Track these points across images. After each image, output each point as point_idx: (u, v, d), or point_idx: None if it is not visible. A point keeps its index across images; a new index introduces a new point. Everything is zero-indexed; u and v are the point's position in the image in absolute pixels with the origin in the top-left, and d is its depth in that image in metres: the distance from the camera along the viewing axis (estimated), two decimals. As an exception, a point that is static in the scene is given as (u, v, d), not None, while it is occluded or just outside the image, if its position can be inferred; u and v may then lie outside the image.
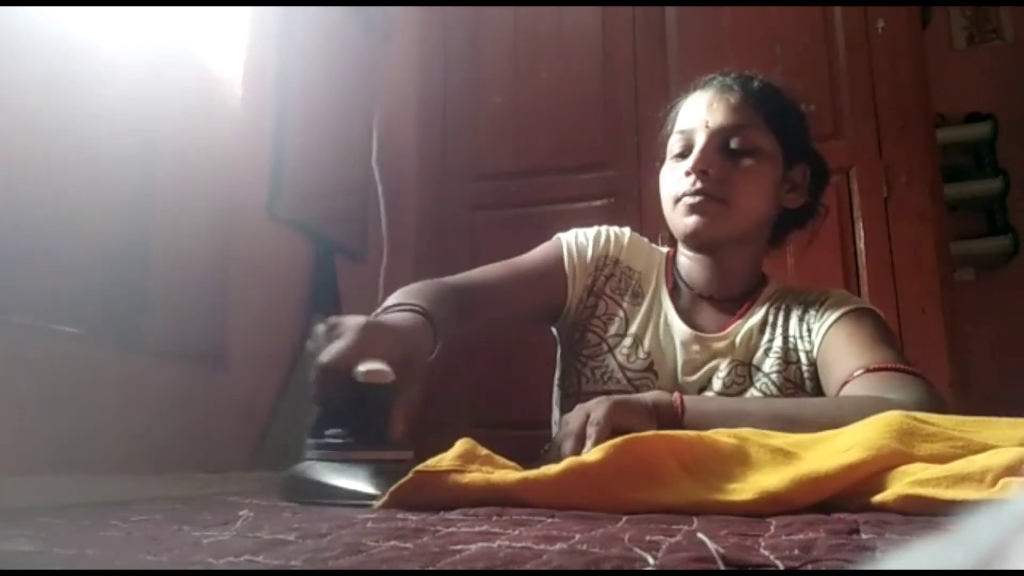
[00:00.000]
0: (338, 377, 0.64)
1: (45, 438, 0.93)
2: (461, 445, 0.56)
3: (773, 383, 0.95)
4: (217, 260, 1.32)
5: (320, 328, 0.69)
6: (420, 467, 0.53)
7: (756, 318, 0.99)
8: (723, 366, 0.97)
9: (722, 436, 0.55)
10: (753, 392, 0.95)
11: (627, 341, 1.00)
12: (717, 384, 0.96)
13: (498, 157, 2.02)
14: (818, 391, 0.95)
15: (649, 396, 0.81)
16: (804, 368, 0.96)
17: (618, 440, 0.52)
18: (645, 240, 1.10)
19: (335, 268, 1.66)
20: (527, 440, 0.94)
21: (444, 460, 0.54)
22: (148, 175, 1.22)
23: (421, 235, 2.02)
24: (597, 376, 1.00)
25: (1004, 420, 0.56)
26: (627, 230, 1.09)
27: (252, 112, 1.42)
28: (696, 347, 0.98)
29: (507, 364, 1.83)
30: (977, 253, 2.53)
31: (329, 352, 0.65)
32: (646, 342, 1.00)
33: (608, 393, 0.96)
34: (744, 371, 0.96)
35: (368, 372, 0.63)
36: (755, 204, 0.97)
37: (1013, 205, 2.51)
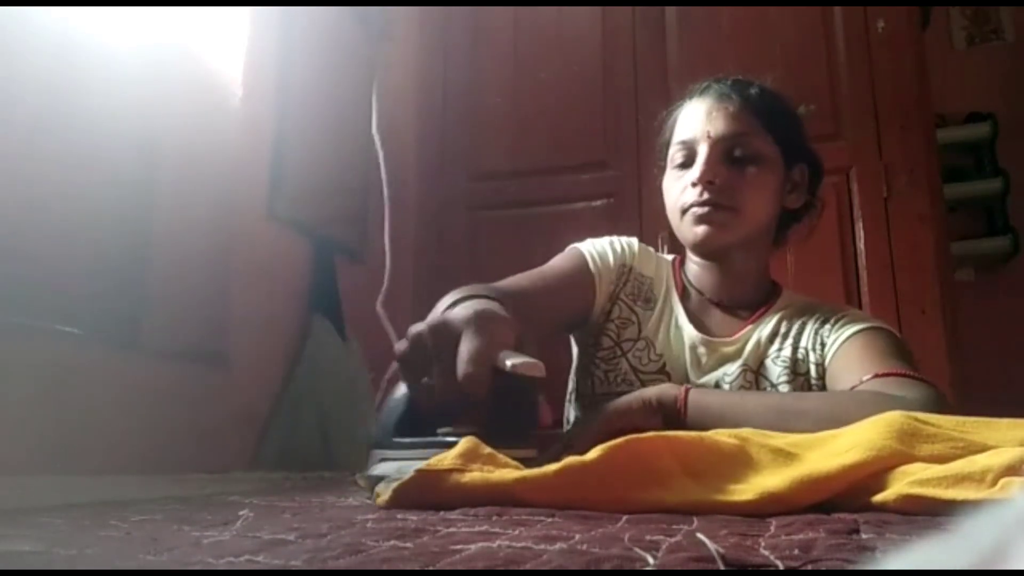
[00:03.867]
0: (483, 375, 0.58)
1: (45, 438, 0.93)
2: (464, 444, 0.56)
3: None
4: (217, 260, 1.32)
5: (418, 328, 0.63)
6: (421, 467, 0.53)
7: (767, 327, 1.00)
8: (732, 370, 0.98)
9: (723, 436, 0.55)
10: None
11: (640, 344, 1.02)
12: (725, 388, 0.97)
13: (497, 157, 2.02)
14: None
15: (654, 391, 0.82)
16: (813, 380, 0.96)
17: (618, 440, 0.52)
18: (651, 249, 1.12)
19: (335, 268, 1.66)
20: (537, 440, 0.93)
21: (446, 459, 0.54)
22: (148, 175, 1.22)
23: (420, 235, 2.02)
24: (610, 379, 1.01)
25: (1004, 421, 0.56)
26: (635, 239, 1.10)
27: (252, 112, 1.42)
28: (703, 350, 0.99)
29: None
30: (977, 253, 2.53)
31: (471, 349, 0.59)
32: (658, 345, 1.01)
33: (621, 395, 0.97)
34: (752, 378, 0.97)
35: (522, 365, 0.57)
36: (761, 210, 0.99)
37: (1013, 205, 2.51)
